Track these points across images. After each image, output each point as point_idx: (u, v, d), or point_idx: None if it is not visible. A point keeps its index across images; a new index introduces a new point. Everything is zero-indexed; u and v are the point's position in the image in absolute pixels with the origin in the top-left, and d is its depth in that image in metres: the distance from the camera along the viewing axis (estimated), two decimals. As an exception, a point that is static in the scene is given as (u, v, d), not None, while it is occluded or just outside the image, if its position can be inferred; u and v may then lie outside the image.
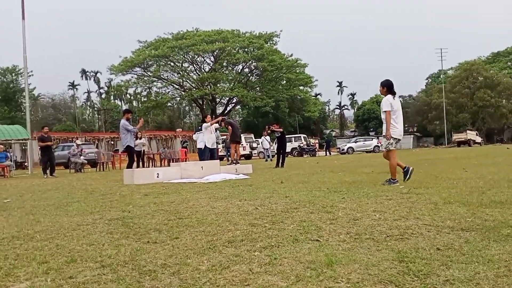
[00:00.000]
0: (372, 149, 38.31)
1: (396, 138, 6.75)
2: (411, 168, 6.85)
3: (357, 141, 41.34)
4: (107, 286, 2.28)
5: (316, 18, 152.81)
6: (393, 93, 6.81)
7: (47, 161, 15.37)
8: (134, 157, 12.61)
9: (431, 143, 64.32)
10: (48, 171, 15.05)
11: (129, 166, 11.66)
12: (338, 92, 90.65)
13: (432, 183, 6.61)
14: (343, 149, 39.43)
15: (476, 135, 50.29)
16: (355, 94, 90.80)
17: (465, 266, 2.37)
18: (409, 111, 68.61)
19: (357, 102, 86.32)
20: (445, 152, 27.98)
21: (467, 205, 4.31)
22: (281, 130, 15.54)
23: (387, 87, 6.83)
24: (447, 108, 57.02)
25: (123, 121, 11.67)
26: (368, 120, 71.11)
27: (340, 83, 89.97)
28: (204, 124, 13.11)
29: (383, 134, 6.84)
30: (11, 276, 2.54)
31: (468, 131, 49.67)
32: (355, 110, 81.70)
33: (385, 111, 6.70)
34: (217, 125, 14.39)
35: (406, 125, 70.61)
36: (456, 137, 49.63)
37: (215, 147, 13.62)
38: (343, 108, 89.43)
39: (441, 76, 67.73)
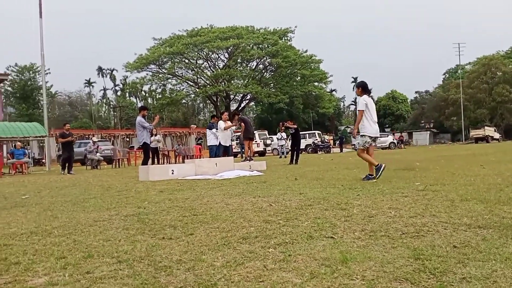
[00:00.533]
0: (387, 146, 37.95)
1: (372, 137, 7.07)
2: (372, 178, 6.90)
3: (372, 138, 40.94)
4: (123, 281, 2.31)
5: (331, 13, 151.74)
6: (368, 93, 7.25)
7: (67, 157, 15.47)
8: (150, 153, 12.68)
9: (448, 140, 63.48)
10: (66, 168, 15.20)
11: (145, 162, 11.76)
12: (353, 88, 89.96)
13: (448, 180, 6.53)
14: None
15: (494, 131, 49.38)
16: (370, 90, 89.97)
17: (482, 264, 2.34)
18: (426, 107, 67.93)
19: (373, 98, 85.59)
20: (463, 148, 27.57)
21: (484, 202, 4.24)
22: (295, 126, 15.50)
23: (362, 88, 7.28)
24: (464, 103, 56.17)
25: (139, 118, 11.77)
26: (384, 116, 70.50)
27: (355, 78, 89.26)
28: (220, 123, 13.13)
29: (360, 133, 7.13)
30: (30, 271, 2.59)
31: (486, 127, 48.80)
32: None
33: (359, 110, 7.07)
34: (234, 127, 14.45)
35: (422, 121, 70.47)
36: (474, 133, 48.81)
37: (229, 144, 13.66)
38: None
39: (459, 71, 66.71)
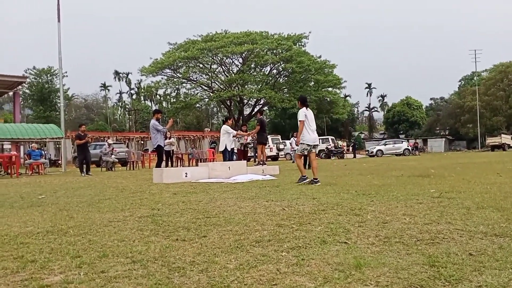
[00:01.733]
0: (402, 152, 37.55)
1: (311, 144, 7.98)
2: (307, 180, 7.82)
3: (387, 144, 40.59)
4: (137, 281, 2.33)
5: (346, 16, 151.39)
6: (307, 106, 8.10)
7: (83, 159, 15.40)
8: (163, 156, 12.73)
9: (464, 147, 62.66)
10: (84, 170, 15.14)
11: (158, 165, 11.84)
12: (367, 94, 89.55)
13: (464, 187, 6.44)
14: (372, 152, 38.83)
15: (511, 139, 48.57)
16: (385, 96, 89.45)
17: (499, 272, 2.30)
18: (441, 114, 67.21)
19: (387, 104, 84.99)
20: (478, 156, 27.16)
21: (501, 210, 4.18)
22: None
23: (301, 101, 8.25)
24: (480, 111, 55.46)
25: (153, 121, 11.87)
26: (398, 123, 69.94)
27: (369, 84, 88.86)
28: (224, 128, 13.16)
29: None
30: (46, 269, 2.63)
31: (502, 135, 48.04)
32: (385, 112, 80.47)
33: (300, 121, 7.94)
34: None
35: (437, 128, 69.72)
36: (490, 141, 48.11)
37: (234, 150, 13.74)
38: (373, 110, 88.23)
39: (475, 78, 65.93)
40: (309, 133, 7.93)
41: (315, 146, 8.12)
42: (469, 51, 74.82)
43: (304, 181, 7.82)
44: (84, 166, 15.19)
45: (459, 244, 2.93)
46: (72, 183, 10.66)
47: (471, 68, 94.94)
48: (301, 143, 7.99)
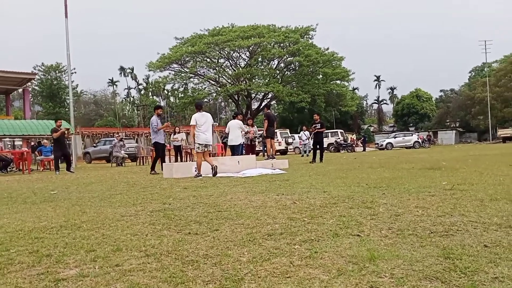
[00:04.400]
0: (412, 145, 37.24)
1: (202, 143, 9.28)
2: (201, 177, 9.02)
3: (396, 137, 40.27)
4: (152, 274, 2.34)
5: (353, 7, 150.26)
6: (199, 110, 9.47)
7: (60, 156, 14.88)
8: (160, 152, 12.20)
9: (474, 139, 62.11)
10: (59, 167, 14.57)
11: (155, 160, 11.87)
12: (376, 86, 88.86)
13: (477, 179, 6.39)
14: (381, 145, 38.58)
15: (523, 130, 48.02)
16: (395, 88, 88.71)
17: (515, 264, 2.28)
18: (451, 106, 66.61)
19: (397, 96, 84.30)
20: (490, 148, 26.90)
21: (515, 202, 4.13)
22: (320, 121, 15.06)
23: (196, 106, 9.73)
24: (491, 102, 54.84)
25: (153, 118, 11.97)
26: (408, 115, 69.41)
27: (378, 77, 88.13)
28: (238, 123, 13.16)
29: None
30: (61, 263, 2.65)
31: (514, 127, 47.55)
32: (394, 105, 79.85)
33: (191, 125, 9.52)
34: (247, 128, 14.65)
35: (447, 120, 69.10)
36: (501, 132, 47.67)
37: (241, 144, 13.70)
38: (382, 102, 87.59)
39: (485, 69, 65.12)
40: (200, 135, 9.25)
41: (207, 146, 9.39)
42: (479, 42, 74.00)
43: (198, 177, 8.96)
44: (65, 162, 14.90)
45: (473, 236, 2.91)
46: (83, 178, 10.75)
47: (481, 59, 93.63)
48: (196, 142, 9.27)
